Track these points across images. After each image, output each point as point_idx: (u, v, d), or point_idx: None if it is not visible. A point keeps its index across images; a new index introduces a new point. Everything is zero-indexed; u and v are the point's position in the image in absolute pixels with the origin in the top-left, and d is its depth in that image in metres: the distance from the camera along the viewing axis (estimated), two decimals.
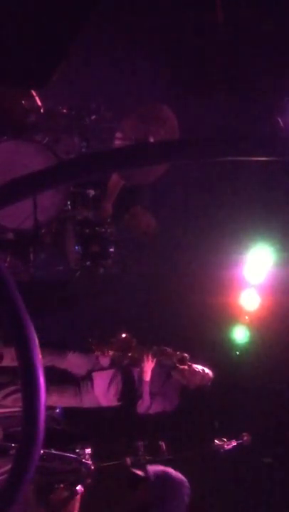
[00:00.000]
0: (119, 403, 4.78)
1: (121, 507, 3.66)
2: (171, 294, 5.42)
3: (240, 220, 5.28)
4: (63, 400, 4.64)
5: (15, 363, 1.10)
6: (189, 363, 4.84)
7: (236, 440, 4.04)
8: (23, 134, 4.41)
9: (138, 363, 4.80)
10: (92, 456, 3.53)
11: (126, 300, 5.36)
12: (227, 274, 5.30)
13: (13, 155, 4.26)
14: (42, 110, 4.49)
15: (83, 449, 3.51)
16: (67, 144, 4.60)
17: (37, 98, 4.47)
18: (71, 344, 4.85)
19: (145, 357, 4.75)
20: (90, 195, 4.73)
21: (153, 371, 4.76)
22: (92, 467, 3.46)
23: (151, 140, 4.28)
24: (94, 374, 4.79)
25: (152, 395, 4.73)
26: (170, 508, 3.21)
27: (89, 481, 3.42)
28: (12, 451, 3.65)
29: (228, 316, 5.48)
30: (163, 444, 3.80)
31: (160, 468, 3.37)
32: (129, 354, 4.78)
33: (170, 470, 3.31)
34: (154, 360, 4.78)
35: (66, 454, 3.50)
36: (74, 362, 4.80)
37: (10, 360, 4.38)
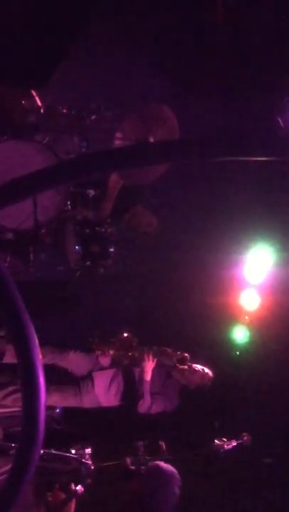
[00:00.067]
0: (120, 403, 4.79)
1: (115, 500, 3.67)
2: (171, 294, 5.42)
3: (240, 220, 5.28)
4: (63, 400, 4.64)
5: (16, 361, 1.10)
6: (189, 363, 4.84)
7: (236, 440, 4.04)
8: (23, 134, 4.41)
9: (138, 362, 4.80)
10: (92, 456, 3.53)
11: (126, 300, 5.36)
12: (227, 274, 5.30)
13: (13, 155, 4.27)
14: (42, 110, 4.49)
15: (83, 449, 3.51)
16: (67, 144, 4.60)
17: (37, 98, 4.47)
18: (71, 344, 4.86)
19: (146, 356, 4.76)
20: (90, 195, 4.73)
21: (153, 371, 4.76)
22: (92, 467, 3.46)
23: (151, 140, 4.28)
24: (94, 373, 4.80)
25: (153, 394, 4.73)
26: (162, 499, 3.29)
27: (89, 481, 3.42)
28: (12, 451, 3.65)
29: (228, 316, 5.48)
30: (163, 444, 3.80)
31: (155, 462, 3.43)
32: (130, 354, 4.79)
33: (161, 463, 3.38)
34: (155, 359, 4.78)
35: (66, 454, 3.50)
36: (75, 361, 4.80)
37: (11, 357, 4.37)
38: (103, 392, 4.76)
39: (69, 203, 4.64)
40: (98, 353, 4.79)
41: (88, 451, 3.51)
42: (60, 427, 4.50)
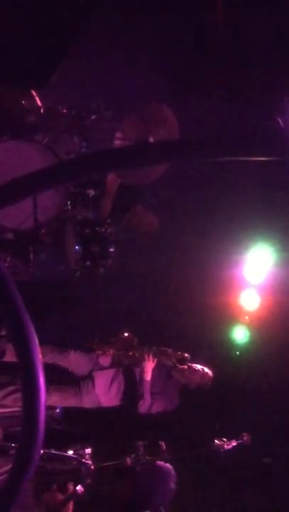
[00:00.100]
0: (120, 403, 4.79)
1: (111, 498, 3.68)
2: (171, 294, 5.42)
3: (240, 220, 5.28)
4: (63, 400, 4.64)
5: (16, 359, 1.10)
6: (189, 363, 4.84)
7: (236, 440, 4.04)
8: (23, 134, 4.40)
9: (139, 362, 4.80)
10: (92, 456, 3.53)
11: (126, 300, 5.35)
12: (227, 274, 5.29)
13: (13, 155, 4.27)
14: (42, 110, 4.49)
15: (83, 449, 3.51)
16: (67, 144, 4.60)
17: (37, 98, 4.46)
18: (71, 344, 4.86)
19: (146, 356, 4.76)
20: (90, 195, 4.72)
21: (154, 371, 4.77)
22: (92, 467, 3.45)
23: (151, 140, 4.28)
24: (95, 373, 4.80)
25: (153, 394, 4.73)
26: (158, 495, 3.32)
27: (89, 481, 3.42)
28: (12, 451, 3.65)
29: (228, 316, 5.48)
30: (163, 444, 3.80)
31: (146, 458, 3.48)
32: (130, 353, 4.79)
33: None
34: (155, 359, 4.79)
35: (66, 454, 3.50)
36: (75, 360, 4.80)
37: (12, 356, 4.37)
38: (103, 392, 4.76)
39: (69, 203, 4.64)
40: (98, 352, 4.79)
41: (88, 451, 3.51)
42: (60, 427, 4.50)
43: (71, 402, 4.69)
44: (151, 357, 4.77)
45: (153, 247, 5.40)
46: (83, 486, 3.35)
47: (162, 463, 3.49)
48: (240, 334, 5.54)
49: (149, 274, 5.42)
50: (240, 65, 5.30)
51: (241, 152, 1.11)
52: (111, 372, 4.83)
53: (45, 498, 3.32)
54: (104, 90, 4.76)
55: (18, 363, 1.08)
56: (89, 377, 4.80)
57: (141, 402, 4.70)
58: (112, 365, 4.86)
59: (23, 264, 4.58)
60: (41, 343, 1.07)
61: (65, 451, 3.53)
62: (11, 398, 4.36)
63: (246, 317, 5.48)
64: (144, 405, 4.70)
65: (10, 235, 4.48)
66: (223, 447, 3.99)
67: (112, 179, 4.77)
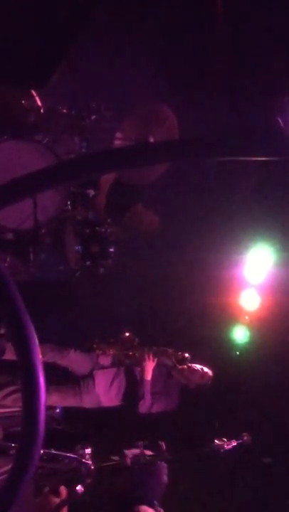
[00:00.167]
0: (121, 403, 4.79)
1: (106, 494, 3.69)
2: (171, 294, 5.42)
3: (240, 220, 5.28)
4: (63, 400, 4.64)
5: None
6: (189, 363, 4.85)
7: (236, 440, 4.04)
8: (23, 134, 4.41)
9: (139, 362, 4.80)
10: (92, 456, 3.52)
11: (126, 300, 5.35)
12: (227, 274, 5.29)
13: (13, 155, 4.27)
14: (42, 110, 4.49)
15: (83, 449, 3.50)
16: (67, 144, 4.60)
17: (37, 98, 4.47)
18: (72, 344, 4.85)
19: (146, 356, 4.76)
20: (90, 195, 4.73)
21: (154, 371, 4.77)
22: (92, 467, 3.45)
23: (151, 140, 4.28)
24: (95, 372, 4.80)
25: (154, 394, 4.74)
26: (150, 488, 3.36)
27: (89, 481, 3.42)
28: (12, 451, 3.65)
29: (228, 316, 5.48)
30: (163, 444, 3.79)
31: (137, 450, 3.51)
32: (131, 353, 4.79)
33: (147, 452, 3.45)
34: (155, 359, 4.79)
35: (66, 454, 3.50)
36: (75, 360, 4.80)
37: (12, 354, 4.36)
38: (104, 391, 4.76)
39: (69, 203, 4.64)
40: (99, 352, 4.79)
41: (88, 451, 3.50)
42: (60, 427, 4.50)
43: (71, 401, 4.69)
44: (151, 357, 4.77)
45: (153, 247, 5.40)
46: (83, 486, 3.35)
47: (139, 447, 3.54)
48: (240, 334, 5.54)
49: (149, 274, 5.41)
50: (240, 65, 5.30)
51: (241, 152, 1.11)
52: (112, 371, 4.83)
53: (37, 502, 3.30)
54: (104, 90, 4.76)
55: (18, 363, 1.08)
56: (89, 376, 4.80)
57: (141, 402, 4.70)
58: (112, 365, 4.86)
59: (23, 264, 4.58)
60: (41, 342, 1.08)
61: (65, 451, 3.52)
62: (11, 398, 4.36)
63: (246, 317, 5.48)
64: (145, 405, 4.70)
65: (10, 235, 4.48)
66: (223, 447, 3.98)
67: (106, 176, 4.77)
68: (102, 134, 4.59)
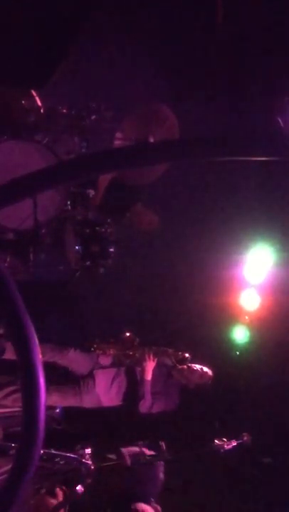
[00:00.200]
0: (121, 403, 4.79)
1: (104, 492, 3.70)
2: (171, 294, 5.42)
3: (240, 220, 5.28)
4: (63, 400, 4.64)
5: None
6: (189, 363, 4.85)
7: (236, 440, 4.04)
8: (23, 134, 4.40)
9: (139, 362, 4.81)
10: (92, 456, 3.53)
11: (126, 300, 5.35)
12: (227, 274, 5.29)
13: (13, 155, 4.27)
14: (42, 110, 4.49)
15: (83, 449, 3.51)
16: (67, 144, 4.60)
17: (37, 98, 4.46)
18: (72, 343, 4.86)
19: (146, 356, 4.76)
20: (90, 195, 4.73)
21: (154, 371, 4.78)
22: (92, 467, 3.45)
23: (151, 140, 4.28)
24: (96, 372, 4.80)
25: (154, 394, 4.74)
26: (147, 485, 3.38)
27: (89, 481, 3.42)
28: (12, 451, 3.65)
29: (228, 316, 5.48)
30: (163, 444, 3.80)
31: (134, 449, 3.60)
32: (131, 353, 4.79)
33: (144, 449, 3.48)
34: (155, 359, 4.79)
35: (66, 454, 3.50)
36: (75, 359, 4.81)
37: (12, 353, 4.35)
38: (104, 391, 4.76)
39: (69, 203, 4.64)
40: (99, 352, 4.79)
41: (88, 451, 3.50)
42: (60, 427, 4.50)
43: (71, 401, 4.69)
44: (151, 357, 4.77)
45: (153, 247, 5.40)
46: (83, 486, 3.35)
47: (149, 451, 3.55)
48: (240, 334, 5.54)
49: (149, 274, 5.42)
50: (240, 65, 5.30)
51: (241, 152, 1.11)
52: (112, 371, 4.84)
53: (32, 503, 3.30)
54: (104, 90, 4.76)
55: (18, 363, 1.08)
56: (89, 376, 4.80)
57: (142, 402, 4.70)
58: (112, 365, 4.86)
59: (23, 264, 4.58)
60: (41, 342, 1.08)
61: (65, 451, 3.53)
62: (11, 398, 4.36)
63: (246, 317, 5.48)
64: (145, 405, 4.70)
65: (10, 235, 4.48)
66: (223, 447, 3.99)
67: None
68: (102, 134, 4.58)
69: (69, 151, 4.56)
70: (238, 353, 5.60)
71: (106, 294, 5.26)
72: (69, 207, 4.65)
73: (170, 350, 4.91)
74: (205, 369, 4.84)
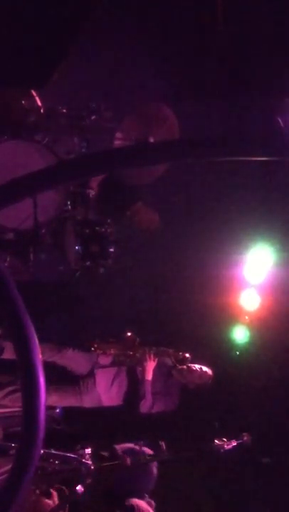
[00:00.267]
0: (121, 402, 4.79)
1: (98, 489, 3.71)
2: (171, 294, 5.42)
3: (240, 220, 5.28)
4: (63, 400, 4.64)
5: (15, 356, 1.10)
6: (189, 363, 4.85)
7: (236, 440, 4.04)
8: (23, 134, 4.41)
9: (140, 362, 4.81)
10: (92, 456, 3.53)
11: (126, 300, 5.35)
12: (227, 274, 5.29)
13: (13, 155, 4.27)
14: (42, 110, 4.49)
15: (83, 449, 3.51)
16: (67, 144, 4.60)
17: (37, 98, 4.47)
18: (72, 343, 4.85)
19: (147, 356, 4.77)
20: (90, 195, 4.73)
21: (154, 371, 4.78)
22: (92, 467, 3.46)
23: (151, 140, 4.29)
24: (97, 371, 4.80)
25: (154, 394, 4.74)
26: (141, 481, 3.41)
27: (89, 481, 3.42)
28: (12, 451, 3.65)
29: (228, 316, 5.47)
30: (163, 444, 3.80)
31: (127, 445, 3.65)
32: (131, 353, 4.80)
33: (144, 449, 3.51)
34: (156, 359, 4.80)
35: (66, 454, 3.50)
36: (74, 359, 4.80)
37: (12, 352, 4.35)
38: (104, 390, 4.76)
39: (69, 203, 4.64)
40: (99, 352, 4.79)
41: (88, 451, 3.50)
42: (60, 427, 4.50)
43: (71, 401, 4.69)
44: (152, 357, 4.78)
45: (153, 247, 5.40)
46: (83, 486, 3.35)
47: (139, 447, 3.58)
48: (240, 334, 5.54)
49: (149, 274, 5.42)
50: (240, 65, 5.30)
51: (241, 152, 1.11)
52: (113, 371, 4.84)
53: (28, 504, 3.29)
54: (104, 90, 4.76)
55: (18, 363, 1.08)
56: (90, 375, 4.80)
57: (142, 402, 4.70)
58: (112, 365, 4.86)
59: (23, 264, 4.58)
60: (40, 341, 1.08)
61: (65, 451, 3.53)
62: (11, 398, 4.36)
63: (246, 317, 5.48)
64: (146, 405, 4.70)
65: (10, 235, 4.48)
66: (223, 447, 3.99)
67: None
68: (102, 134, 4.59)
69: (69, 151, 4.57)
70: (238, 353, 5.59)
71: (106, 294, 5.26)
72: (69, 207, 4.65)
73: (170, 351, 4.91)
74: (205, 369, 4.84)
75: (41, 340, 1.11)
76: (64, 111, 4.52)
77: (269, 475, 5.33)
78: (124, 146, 3.80)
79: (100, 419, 4.87)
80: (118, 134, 4.52)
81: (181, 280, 5.38)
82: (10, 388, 4.38)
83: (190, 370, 4.81)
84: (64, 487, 3.46)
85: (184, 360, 4.88)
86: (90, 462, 3.43)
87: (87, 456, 3.45)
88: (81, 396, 4.72)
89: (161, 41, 5.15)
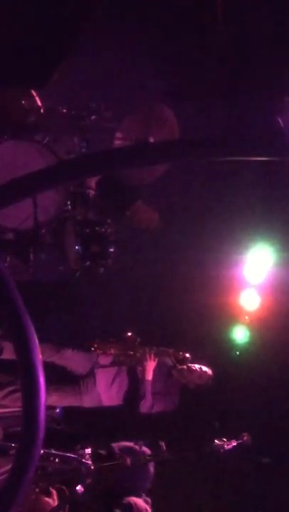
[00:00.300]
0: (121, 402, 4.79)
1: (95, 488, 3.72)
2: (171, 294, 5.41)
3: (240, 220, 5.28)
4: (63, 400, 4.64)
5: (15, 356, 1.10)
6: (189, 363, 4.85)
7: (236, 440, 4.04)
8: (23, 134, 4.41)
9: (140, 362, 4.81)
10: (92, 456, 3.53)
11: (126, 300, 5.35)
12: (227, 274, 5.29)
13: (13, 155, 4.27)
14: (42, 110, 4.50)
15: (83, 449, 3.51)
16: (67, 144, 4.60)
17: (37, 98, 4.47)
18: (71, 343, 4.85)
19: (147, 356, 4.77)
20: (90, 195, 4.73)
21: (155, 370, 4.78)
22: (92, 467, 3.46)
23: (151, 140, 4.29)
24: (97, 370, 4.81)
25: (154, 394, 4.74)
26: (138, 480, 3.43)
27: (89, 481, 3.42)
28: (12, 451, 3.65)
29: (228, 316, 5.47)
30: (163, 444, 3.80)
31: (124, 443, 3.69)
32: (132, 353, 4.80)
33: (144, 449, 3.53)
34: (156, 359, 4.80)
35: (66, 454, 3.50)
36: (73, 359, 4.80)
37: (11, 353, 4.35)
38: (105, 389, 4.76)
39: (69, 203, 4.64)
40: (99, 352, 4.79)
41: (88, 451, 3.50)
42: (60, 427, 4.50)
43: (71, 401, 4.69)
44: (152, 356, 4.78)
45: (153, 247, 5.40)
46: (83, 486, 3.35)
47: (139, 447, 3.60)
48: (240, 334, 5.54)
49: (149, 274, 5.41)
50: (240, 65, 5.30)
51: (241, 152, 1.11)
52: (113, 370, 4.84)
53: (28, 503, 3.29)
54: (104, 90, 4.76)
55: (18, 363, 1.08)
56: (90, 375, 4.80)
57: (142, 402, 4.70)
58: (113, 364, 4.86)
59: (23, 264, 4.58)
60: (40, 341, 1.08)
61: (65, 451, 3.53)
62: (11, 398, 4.36)
63: (246, 317, 5.48)
64: (146, 405, 4.70)
65: (10, 235, 4.48)
66: (223, 447, 3.99)
67: None
68: (102, 134, 4.59)
69: (69, 151, 4.57)
70: (238, 353, 5.59)
71: (106, 294, 5.26)
72: (69, 207, 4.65)
73: (171, 350, 4.91)
74: (204, 369, 4.84)
75: (41, 340, 1.11)
76: (64, 111, 4.52)
77: (269, 475, 5.32)
78: (124, 146, 3.80)
79: (100, 419, 4.87)
80: (118, 134, 4.52)
81: (181, 280, 5.38)
82: (10, 388, 4.38)
83: (190, 370, 4.81)
84: (64, 487, 3.46)
85: (184, 360, 4.88)
86: (90, 462, 3.43)
87: (87, 456, 3.45)
88: (81, 396, 4.72)
89: (161, 41, 5.14)
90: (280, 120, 4.45)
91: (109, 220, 4.77)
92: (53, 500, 3.33)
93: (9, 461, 3.50)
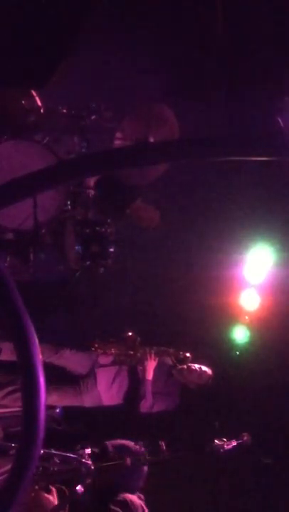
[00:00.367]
0: (121, 401, 4.79)
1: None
2: (171, 294, 5.42)
3: (240, 220, 5.28)
4: (63, 399, 4.64)
5: (14, 357, 1.10)
6: (189, 363, 4.85)
7: (236, 440, 4.04)
8: (23, 134, 4.41)
9: (140, 361, 4.81)
10: (92, 456, 3.53)
11: (126, 300, 5.35)
12: (227, 274, 5.29)
13: (13, 155, 4.27)
14: (42, 110, 4.50)
15: (83, 449, 3.51)
16: (67, 144, 4.61)
17: (37, 98, 4.47)
18: (72, 344, 4.85)
19: (148, 356, 4.77)
20: (90, 195, 4.73)
21: (155, 370, 4.78)
22: (92, 467, 3.46)
23: (151, 140, 4.29)
24: (97, 370, 4.80)
25: (154, 394, 4.74)
26: (131, 477, 3.46)
27: (89, 481, 3.42)
28: (12, 451, 3.65)
29: (228, 316, 5.47)
30: (163, 444, 3.80)
31: (117, 441, 3.75)
32: (132, 352, 4.80)
33: (127, 441, 3.55)
34: (156, 359, 4.80)
35: (66, 454, 3.51)
36: (72, 359, 4.80)
37: (9, 354, 4.36)
38: (105, 389, 4.76)
39: (69, 203, 4.64)
40: (100, 352, 4.79)
41: (88, 451, 3.51)
42: (60, 427, 4.50)
43: (71, 401, 4.69)
44: (152, 356, 4.78)
45: (153, 247, 5.40)
46: (83, 486, 3.35)
47: (133, 444, 3.62)
48: (240, 334, 5.53)
49: (149, 274, 5.42)
50: (240, 65, 5.30)
51: (241, 152, 1.11)
52: (113, 370, 4.84)
53: (29, 501, 3.30)
54: (104, 90, 4.76)
55: (18, 363, 1.08)
56: (90, 375, 4.79)
57: (143, 402, 4.70)
58: (113, 364, 4.86)
59: (23, 264, 4.58)
60: (40, 341, 1.08)
61: (65, 451, 3.53)
62: (11, 398, 4.36)
63: (246, 317, 5.48)
64: (146, 405, 4.70)
65: (10, 235, 4.48)
66: (223, 447, 3.99)
67: None
68: (102, 134, 4.59)
69: (69, 151, 4.57)
70: (238, 353, 5.59)
71: (106, 294, 5.26)
72: (69, 207, 4.65)
73: (171, 350, 4.91)
74: (204, 369, 4.84)
75: (41, 340, 1.11)
76: (64, 111, 4.52)
77: (269, 475, 5.32)
78: (124, 146, 3.80)
79: (100, 419, 4.87)
80: (118, 134, 4.52)
81: (181, 280, 5.38)
82: (10, 388, 4.38)
83: (190, 369, 4.81)
84: (64, 487, 3.46)
85: (184, 360, 4.88)
86: (90, 462, 3.43)
87: (87, 456, 3.45)
88: (81, 396, 4.72)
89: (161, 41, 5.15)
90: (280, 120, 4.46)
91: (109, 220, 4.77)
92: (53, 498, 3.33)
93: (9, 461, 3.50)
